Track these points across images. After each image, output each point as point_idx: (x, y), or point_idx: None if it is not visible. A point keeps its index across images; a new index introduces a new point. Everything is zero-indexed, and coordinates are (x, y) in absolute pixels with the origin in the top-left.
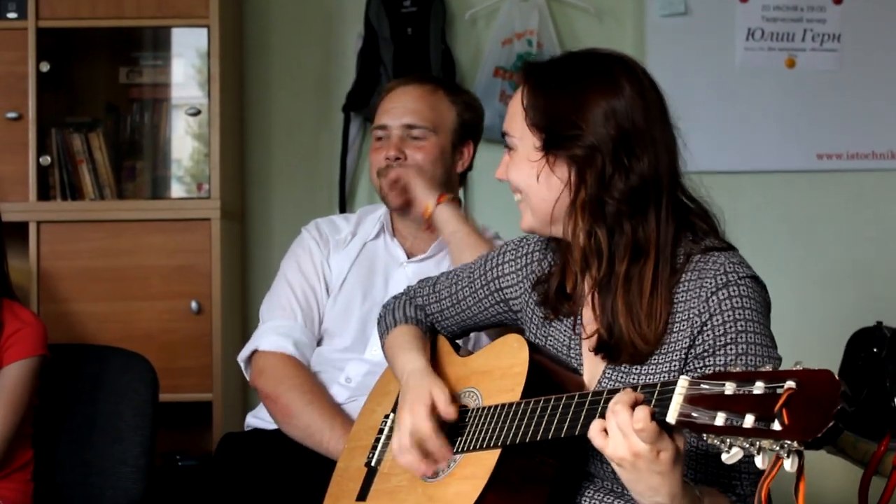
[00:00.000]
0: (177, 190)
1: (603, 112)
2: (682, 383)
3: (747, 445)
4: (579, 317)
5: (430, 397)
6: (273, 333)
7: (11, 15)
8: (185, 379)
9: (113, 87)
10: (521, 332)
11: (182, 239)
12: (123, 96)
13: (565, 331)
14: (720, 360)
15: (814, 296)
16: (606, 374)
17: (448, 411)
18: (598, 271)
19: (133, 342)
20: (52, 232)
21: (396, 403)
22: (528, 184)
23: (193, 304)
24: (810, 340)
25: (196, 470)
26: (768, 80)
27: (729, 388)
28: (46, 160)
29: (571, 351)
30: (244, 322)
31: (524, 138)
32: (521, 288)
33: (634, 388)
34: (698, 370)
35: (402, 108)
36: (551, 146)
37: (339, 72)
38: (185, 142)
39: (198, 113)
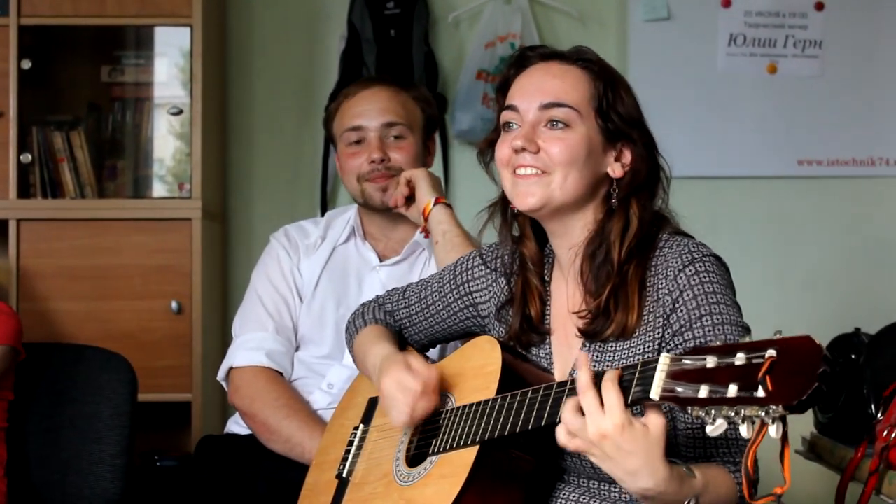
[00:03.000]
0: (158, 189)
1: (641, 112)
2: (664, 360)
3: (732, 415)
4: (547, 316)
5: (406, 365)
6: (244, 348)
7: None
8: (165, 379)
9: (95, 86)
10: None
11: (163, 238)
12: (105, 95)
13: (534, 346)
14: (699, 333)
15: (792, 302)
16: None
17: (429, 375)
18: (622, 262)
19: (112, 341)
20: (33, 230)
21: (364, 415)
22: (576, 161)
23: (173, 304)
24: None
25: (174, 470)
26: (750, 85)
27: (710, 361)
28: (27, 158)
29: (541, 351)
30: (224, 322)
31: (588, 117)
32: (489, 293)
33: (619, 370)
34: (679, 346)
35: (375, 108)
36: (619, 137)
37: (321, 73)
38: (167, 141)
39: (180, 112)
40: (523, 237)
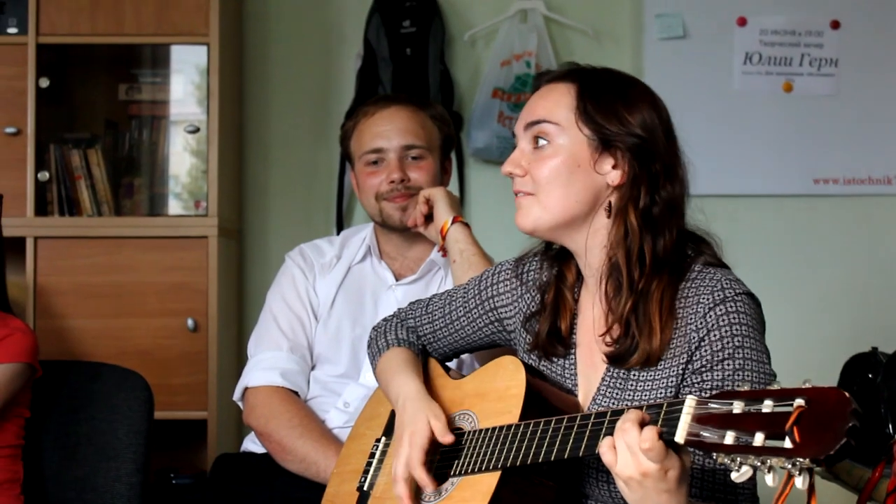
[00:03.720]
0: (174, 207)
1: (652, 120)
2: (690, 403)
3: (758, 464)
4: (574, 334)
5: (427, 426)
6: (259, 368)
7: (12, 30)
8: (181, 396)
9: (112, 104)
10: (513, 352)
11: (179, 256)
12: (122, 113)
13: (558, 358)
14: (717, 376)
15: (809, 321)
16: (601, 391)
17: (445, 438)
18: (635, 279)
19: (129, 359)
20: (50, 247)
21: (386, 427)
22: (558, 179)
23: (190, 322)
24: (806, 365)
25: (190, 489)
26: (765, 104)
27: (737, 406)
28: (45, 176)
29: (566, 371)
30: (240, 340)
31: (570, 129)
32: (515, 308)
33: (640, 408)
34: (696, 385)
35: (395, 129)
36: (610, 143)
37: (337, 90)
38: (184, 159)
39: (196, 130)
40: (568, 257)
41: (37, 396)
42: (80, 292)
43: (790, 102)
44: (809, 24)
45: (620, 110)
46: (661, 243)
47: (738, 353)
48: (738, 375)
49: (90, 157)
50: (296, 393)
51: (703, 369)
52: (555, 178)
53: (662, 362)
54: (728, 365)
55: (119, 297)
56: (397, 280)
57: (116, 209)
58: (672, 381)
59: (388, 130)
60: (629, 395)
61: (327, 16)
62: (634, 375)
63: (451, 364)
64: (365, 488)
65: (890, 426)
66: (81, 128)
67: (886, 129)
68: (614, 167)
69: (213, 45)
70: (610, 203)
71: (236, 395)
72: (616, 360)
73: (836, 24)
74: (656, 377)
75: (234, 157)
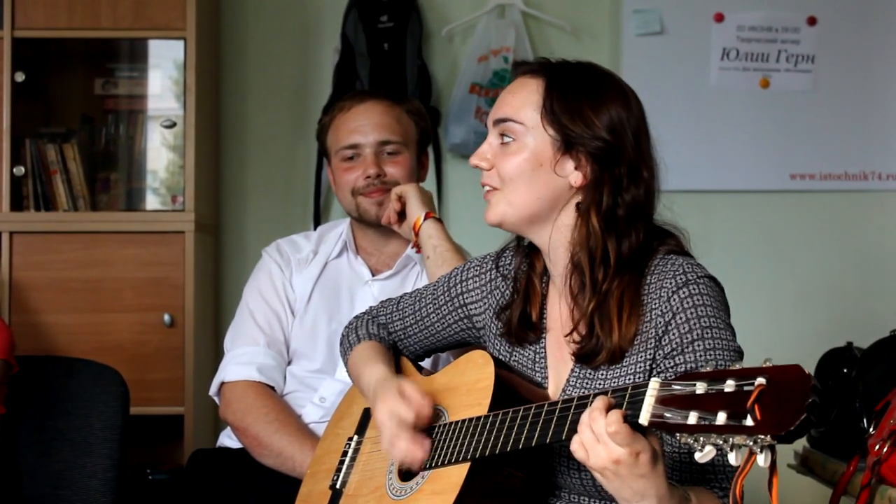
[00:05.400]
0: (151, 202)
1: (621, 120)
2: (654, 385)
3: (720, 443)
4: (544, 320)
5: (399, 392)
6: (235, 363)
7: None
8: (157, 392)
9: (88, 98)
10: (483, 350)
11: (156, 251)
12: (99, 107)
13: (529, 344)
14: (690, 357)
15: (785, 316)
16: (571, 382)
17: (422, 403)
18: (598, 280)
19: (105, 354)
20: (25, 242)
21: (359, 426)
22: (521, 176)
23: (166, 317)
24: (781, 360)
25: (166, 484)
26: (742, 100)
27: (700, 387)
28: (20, 170)
29: (536, 365)
30: (217, 335)
31: (535, 128)
32: (484, 304)
33: (605, 393)
34: (670, 369)
35: (370, 124)
36: (572, 145)
37: (315, 86)
38: (161, 154)
39: (173, 125)
40: (538, 249)
41: (12, 392)
42: (56, 287)
43: (767, 98)
44: (786, 21)
45: (586, 111)
46: (627, 244)
47: (708, 334)
48: (710, 355)
49: (66, 152)
50: (272, 388)
51: (675, 353)
52: (518, 176)
53: (630, 356)
54: (699, 346)
55: (95, 292)
56: (374, 275)
57: (93, 204)
58: (640, 367)
59: (364, 126)
60: (599, 384)
61: (305, 11)
62: (602, 374)
63: (425, 364)
64: (337, 486)
65: (864, 420)
66: (57, 122)
67: (863, 125)
68: (577, 168)
69: (191, 39)
70: (578, 204)
71: (212, 391)
72: (583, 358)
73: (812, 21)
74: (626, 364)
75: (211, 152)
